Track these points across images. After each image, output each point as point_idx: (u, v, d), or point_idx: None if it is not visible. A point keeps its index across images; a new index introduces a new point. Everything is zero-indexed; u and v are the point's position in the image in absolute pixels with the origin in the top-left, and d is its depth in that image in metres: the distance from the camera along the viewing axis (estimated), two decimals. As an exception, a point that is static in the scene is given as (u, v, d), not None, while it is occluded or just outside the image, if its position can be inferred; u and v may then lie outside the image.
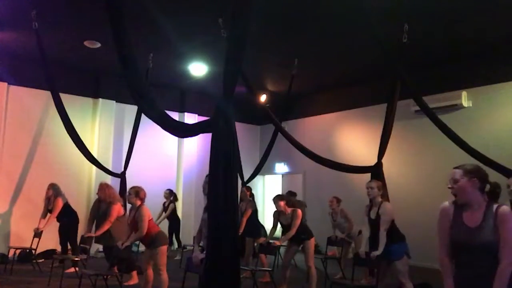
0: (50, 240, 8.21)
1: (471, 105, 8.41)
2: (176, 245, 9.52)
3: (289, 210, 5.95)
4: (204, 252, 4.36)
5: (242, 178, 9.06)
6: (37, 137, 9.38)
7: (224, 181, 3.70)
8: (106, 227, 6.42)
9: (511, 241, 2.40)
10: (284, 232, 6.06)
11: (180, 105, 11.42)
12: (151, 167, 10.53)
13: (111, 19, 3.96)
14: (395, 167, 8.72)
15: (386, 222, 4.82)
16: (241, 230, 6.82)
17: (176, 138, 10.77)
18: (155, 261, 5.24)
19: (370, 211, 5.02)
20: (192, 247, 7.91)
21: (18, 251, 7.80)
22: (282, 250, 7.02)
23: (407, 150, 9.19)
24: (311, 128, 11.47)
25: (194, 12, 6.58)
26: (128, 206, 6.04)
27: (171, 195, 9.46)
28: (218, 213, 3.70)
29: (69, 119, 7.70)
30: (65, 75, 9.16)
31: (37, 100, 9.27)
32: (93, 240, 6.74)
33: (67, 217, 7.53)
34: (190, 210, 11.03)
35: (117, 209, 6.57)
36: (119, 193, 8.09)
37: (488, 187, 2.57)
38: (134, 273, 6.53)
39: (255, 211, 7.42)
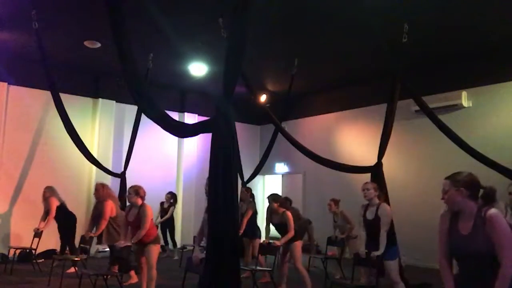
0: (50, 240, 8.22)
1: (471, 105, 8.41)
2: (171, 245, 9.52)
3: (281, 210, 6.09)
4: (204, 252, 4.37)
5: (242, 178, 9.05)
6: (37, 137, 9.38)
7: (224, 181, 3.70)
8: (102, 226, 6.48)
9: (504, 243, 2.38)
10: (278, 231, 6.18)
11: (180, 105, 11.42)
12: (151, 167, 10.53)
13: (111, 19, 3.95)
14: (395, 167, 8.71)
15: (387, 223, 4.90)
16: (241, 231, 6.83)
17: (176, 138, 10.77)
18: (149, 258, 5.35)
19: (366, 212, 5.07)
20: (193, 247, 7.92)
21: (18, 251, 7.80)
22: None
23: (407, 150, 9.18)
24: (311, 128, 11.47)
25: (194, 12, 6.58)
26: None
27: (172, 198, 9.46)
28: (218, 213, 3.71)
29: (69, 119, 7.70)
30: (65, 75, 9.15)
31: (37, 100, 9.27)
32: (95, 241, 6.75)
33: (64, 217, 7.56)
34: (190, 210, 11.03)
35: (109, 206, 6.59)
36: (119, 193, 8.13)
37: (481, 191, 2.58)
38: (133, 272, 6.55)
39: (255, 213, 7.42)
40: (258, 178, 11.66)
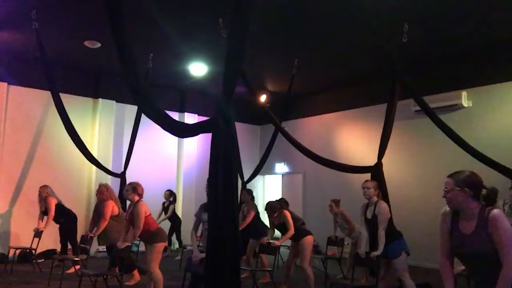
0: (50, 240, 8.22)
1: (471, 105, 8.40)
2: (177, 244, 9.51)
3: (278, 211, 6.17)
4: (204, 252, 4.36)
5: (242, 178, 9.06)
6: (37, 137, 9.38)
7: (224, 181, 3.69)
8: (102, 225, 6.48)
9: (506, 244, 2.37)
10: (280, 231, 6.19)
11: (180, 105, 11.42)
12: (151, 167, 10.53)
13: (111, 19, 3.95)
14: (395, 167, 8.71)
15: (384, 221, 4.87)
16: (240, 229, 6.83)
17: (176, 138, 10.77)
18: (145, 259, 5.31)
19: (366, 211, 5.07)
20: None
21: (18, 251, 7.80)
22: (282, 250, 7.04)
23: (407, 150, 9.18)
24: (311, 128, 11.47)
25: (194, 12, 6.57)
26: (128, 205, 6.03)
27: (171, 196, 9.46)
28: (218, 213, 3.70)
29: (69, 119, 7.70)
30: (65, 75, 9.16)
31: (37, 100, 9.27)
32: (95, 241, 6.74)
33: (63, 217, 7.55)
34: (190, 210, 10.98)
35: (110, 206, 6.58)
36: (119, 193, 8.12)
37: (484, 191, 2.57)
38: (135, 272, 6.54)
39: (258, 213, 7.42)
40: (258, 178, 11.67)
